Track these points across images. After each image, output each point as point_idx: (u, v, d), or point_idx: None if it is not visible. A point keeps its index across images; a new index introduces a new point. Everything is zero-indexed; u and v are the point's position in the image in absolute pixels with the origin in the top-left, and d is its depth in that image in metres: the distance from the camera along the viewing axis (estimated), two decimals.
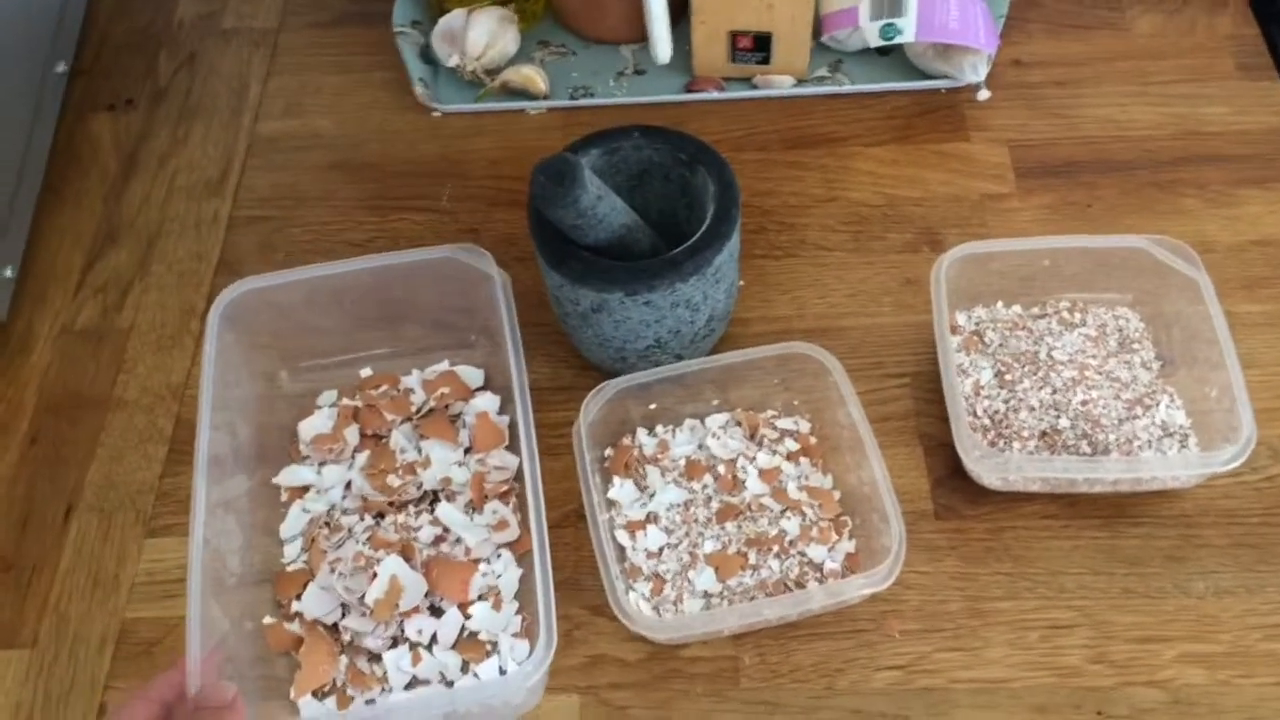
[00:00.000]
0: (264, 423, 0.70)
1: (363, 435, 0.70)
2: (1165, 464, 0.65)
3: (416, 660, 0.61)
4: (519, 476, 0.67)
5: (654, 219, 0.70)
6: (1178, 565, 0.64)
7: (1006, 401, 0.69)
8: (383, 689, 0.61)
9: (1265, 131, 0.83)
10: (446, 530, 0.65)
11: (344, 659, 0.62)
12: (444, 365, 0.74)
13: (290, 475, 0.69)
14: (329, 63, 0.93)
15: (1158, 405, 0.68)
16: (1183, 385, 0.69)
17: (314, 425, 0.71)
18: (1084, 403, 0.68)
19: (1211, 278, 0.67)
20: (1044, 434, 0.67)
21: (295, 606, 0.63)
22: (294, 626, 0.63)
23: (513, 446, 0.69)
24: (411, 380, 0.73)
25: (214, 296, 0.68)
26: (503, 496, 0.67)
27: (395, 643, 0.62)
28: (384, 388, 0.73)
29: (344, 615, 0.62)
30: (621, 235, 0.65)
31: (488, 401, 0.71)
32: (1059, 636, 0.62)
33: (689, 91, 0.88)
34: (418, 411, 0.71)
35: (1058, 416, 0.68)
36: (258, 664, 0.62)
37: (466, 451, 0.69)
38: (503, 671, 0.61)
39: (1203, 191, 0.80)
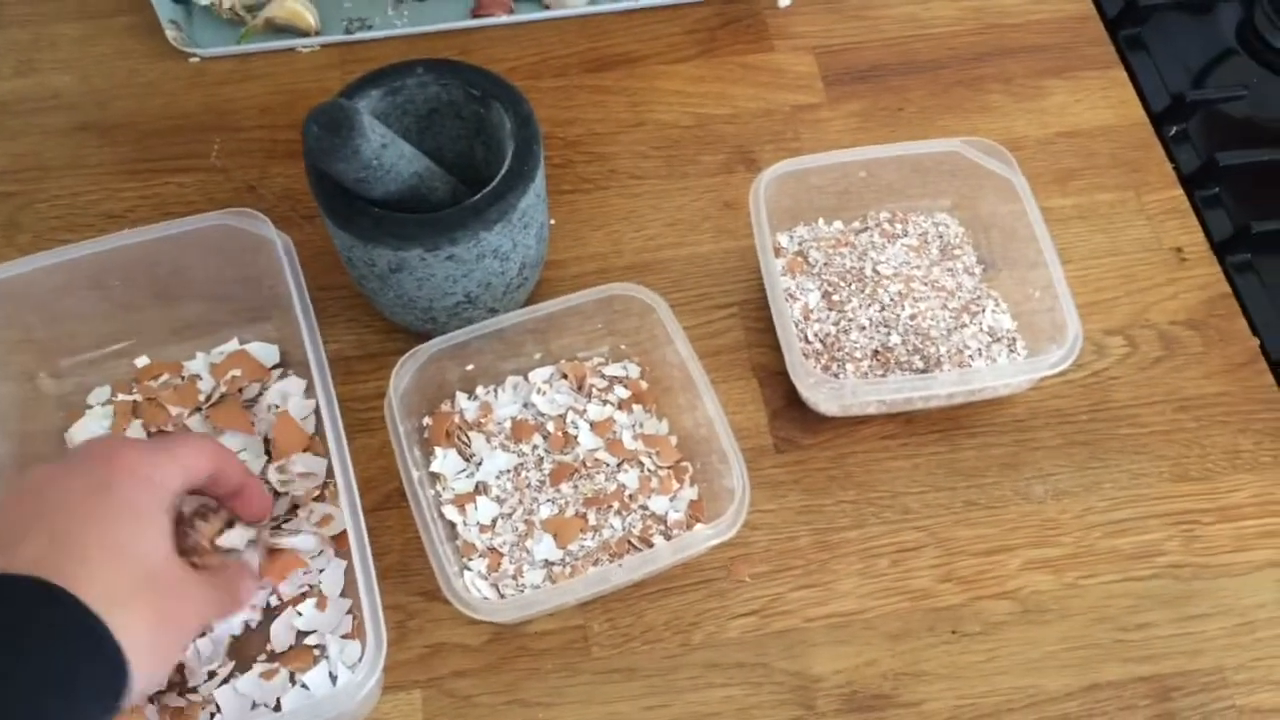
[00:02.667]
0: (26, 432, 0.61)
1: (148, 433, 0.63)
2: (996, 372, 0.64)
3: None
4: (330, 471, 0.61)
5: (449, 162, 0.64)
6: (1015, 472, 0.64)
7: (836, 323, 0.66)
8: (207, 712, 0.55)
9: (1063, 19, 0.82)
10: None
11: (152, 707, 0.55)
12: (233, 344, 0.66)
13: None
14: (63, 10, 0.82)
15: (983, 311, 0.67)
16: (1005, 288, 0.69)
17: (87, 428, 0.63)
18: (913, 316, 0.66)
19: (1024, 174, 0.66)
20: (876, 353, 0.65)
21: None
22: None
23: (319, 430, 0.63)
24: (197, 364, 0.66)
25: None
26: (316, 498, 0.61)
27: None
28: (165, 376, 0.65)
29: None
30: (414, 185, 0.59)
31: (292, 385, 0.64)
32: (907, 559, 0.61)
33: (475, 16, 0.81)
34: (207, 400, 0.64)
35: (888, 333, 0.66)
36: None
37: (266, 444, 0.62)
38: (333, 678, 0.56)
39: (1008, 86, 0.79)
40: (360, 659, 0.56)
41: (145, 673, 0.43)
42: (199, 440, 0.52)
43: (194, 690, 0.55)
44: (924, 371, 0.65)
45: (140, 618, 0.43)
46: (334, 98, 0.58)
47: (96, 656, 0.42)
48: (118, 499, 0.46)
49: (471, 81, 0.62)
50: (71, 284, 0.62)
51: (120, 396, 0.64)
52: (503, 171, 0.59)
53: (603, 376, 0.65)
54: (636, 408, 0.65)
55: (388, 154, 0.56)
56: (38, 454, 0.61)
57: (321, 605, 0.58)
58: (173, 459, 0.49)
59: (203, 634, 0.56)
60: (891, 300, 0.67)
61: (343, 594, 0.59)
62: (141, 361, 0.66)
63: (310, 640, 0.57)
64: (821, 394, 0.62)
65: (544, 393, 0.65)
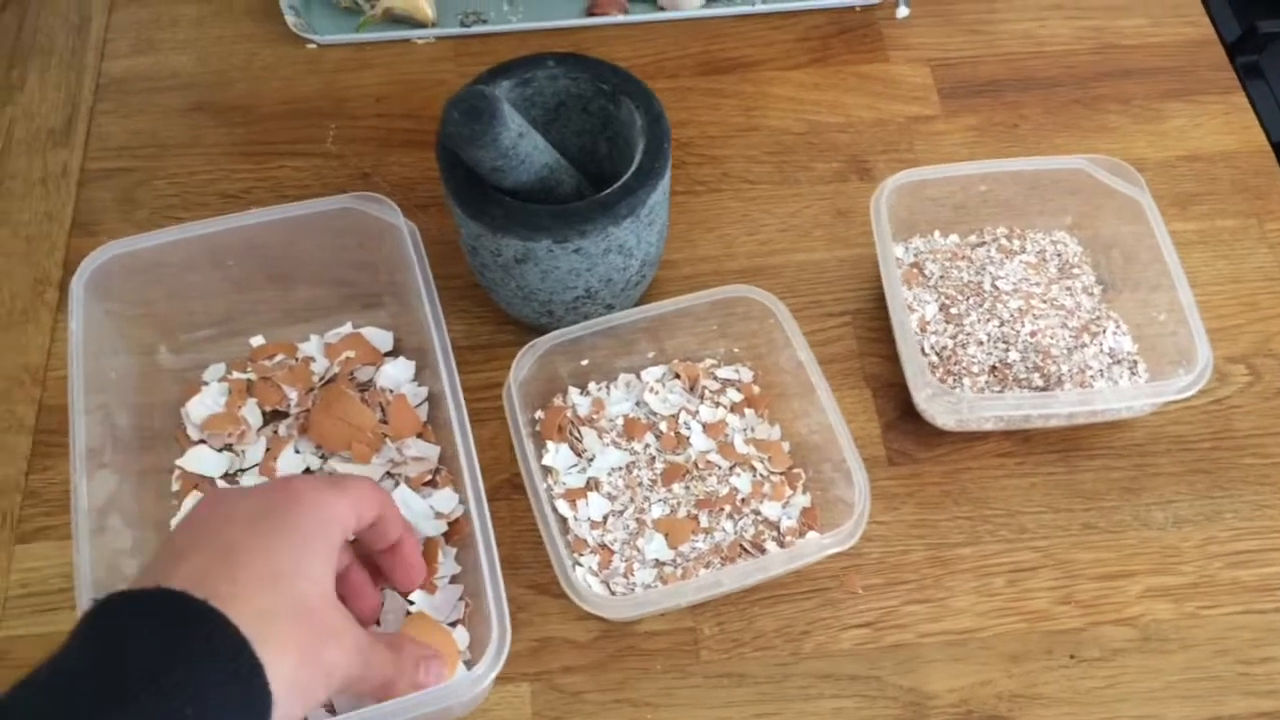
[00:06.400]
0: (143, 404, 0.62)
1: (262, 412, 0.63)
2: (1121, 394, 0.63)
3: None
4: (441, 459, 0.61)
5: (572, 156, 0.64)
6: (1135, 497, 0.62)
7: (954, 336, 0.65)
8: None
9: (1183, 43, 0.81)
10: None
11: None
12: (347, 328, 0.66)
13: (195, 460, 0.61)
14: None
15: (1104, 332, 0.66)
16: (1125, 309, 0.67)
17: (204, 404, 0.63)
18: (1032, 333, 0.65)
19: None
20: (994, 368, 0.64)
21: None
22: None
23: (433, 418, 0.63)
24: (311, 346, 0.66)
25: (70, 262, 0.59)
26: (426, 483, 0.61)
27: None
28: (280, 357, 0.65)
29: None
30: (544, 176, 0.59)
31: (401, 369, 0.64)
32: (1024, 579, 0.60)
33: (590, 15, 0.81)
34: (321, 381, 0.64)
35: (1007, 349, 0.65)
36: None
37: (383, 429, 0.62)
38: None
39: (1127, 107, 0.78)
40: (469, 646, 0.56)
41: (282, 710, 0.40)
42: (369, 482, 0.50)
43: None
44: (1044, 390, 0.63)
45: (288, 649, 0.41)
46: (470, 85, 0.58)
47: (239, 680, 0.39)
48: (285, 524, 0.44)
49: (602, 77, 0.62)
50: (194, 261, 0.62)
51: (235, 374, 0.64)
52: (633, 167, 0.59)
53: (715, 379, 0.65)
54: (749, 412, 0.64)
55: (524, 144, 0.56)
56: (155, 427, 0.62)
57: (431, 591, 0.58)
58: (344, 494, 0.47)
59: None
60: (1011, 316, 0.66)
61: (452, 580, 0.59)
62: (256, 341, 0.66)
63: None
64: (939, 407, 0.61)
65: (656, 392, 0.64)
